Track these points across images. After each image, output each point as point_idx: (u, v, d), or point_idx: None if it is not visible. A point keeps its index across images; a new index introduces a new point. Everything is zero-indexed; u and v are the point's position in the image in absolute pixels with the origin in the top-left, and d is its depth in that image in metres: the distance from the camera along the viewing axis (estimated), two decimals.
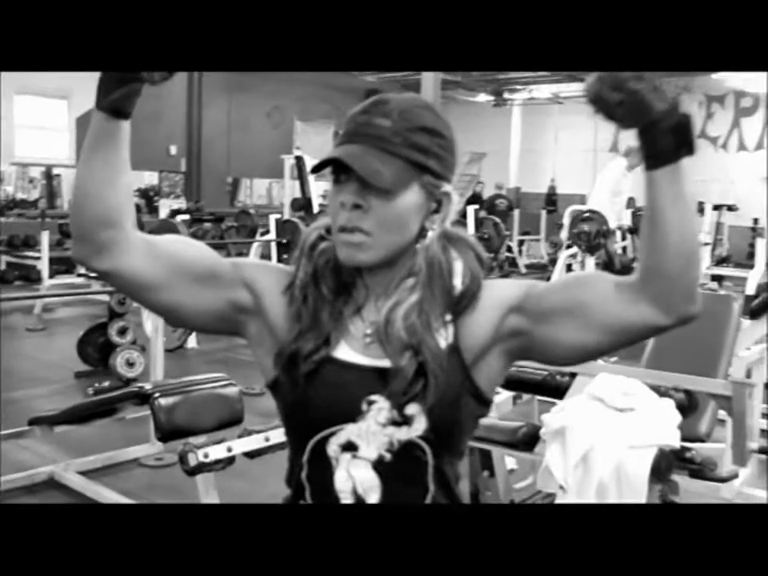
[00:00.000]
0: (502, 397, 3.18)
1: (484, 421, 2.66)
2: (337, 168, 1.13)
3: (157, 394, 3.13)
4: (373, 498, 1.14)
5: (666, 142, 1.00)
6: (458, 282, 1.16)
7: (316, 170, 1.14)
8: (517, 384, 2.95)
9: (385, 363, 1.14)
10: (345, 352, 1.16)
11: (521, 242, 14.30)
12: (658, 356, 3.51)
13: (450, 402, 1.13)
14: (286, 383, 1.16)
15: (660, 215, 1.03)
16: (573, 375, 2.77)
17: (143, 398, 3.21)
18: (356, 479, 1.13)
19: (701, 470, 2.47)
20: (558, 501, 2.32)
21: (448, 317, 1.16)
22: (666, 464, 2.31)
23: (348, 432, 1.13)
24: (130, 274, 1.14)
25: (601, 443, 2.28)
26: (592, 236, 7.46)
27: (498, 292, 1.18)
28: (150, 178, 14.20)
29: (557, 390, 2.74)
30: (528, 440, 2.47)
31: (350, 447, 1.13)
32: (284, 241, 7.79)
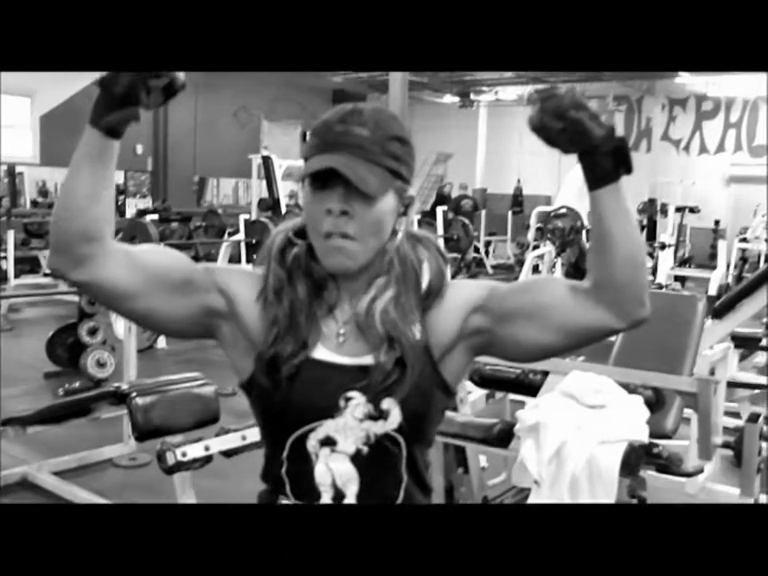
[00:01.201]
0: (476, 395, 3.25)
1: (460, 418, 2.74)
2: (320, 175, 1.17)
3: (133, 394, 3.15)
4: (351, 489, 1.19)
5: (606, 164, 1.10)
6: (425, 279, 1.24)
7: (317, 179, 1.18)
8: (490, 382, 3.02)
9: (359, 360, 1.20)
10: (321, 352, 1.21)
11: (488, 243, 14.42)
12: (625, 355, 3.60)
13: (422, 394, 1.20)
14: (266, 385, 1.20)
15: (606, 230, 1.12)
16: (545, 373, 2.84)
17: (120, 398, 3.22)
18: (335, 472, 1.19)
19: (667, 465, 2.54)
20: (532, 495, 2.38)
21: (419, 313, 1.23)
22: (636, 458, 2.38)
23: (326, 428, 1.19)
24: (107, 284, 1.17)
25: (573, 439, 2.35)
26: (566, 232, 7.60)
27: (463, 292, 1.26)
28: (115, 178, 14.07)
29: (530, 388, 2.81)
30: (503, 436, 2.53)
31: (328, 442, 1.19)
32: (253, 241, 7.80)
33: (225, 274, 1.27)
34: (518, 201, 17.58)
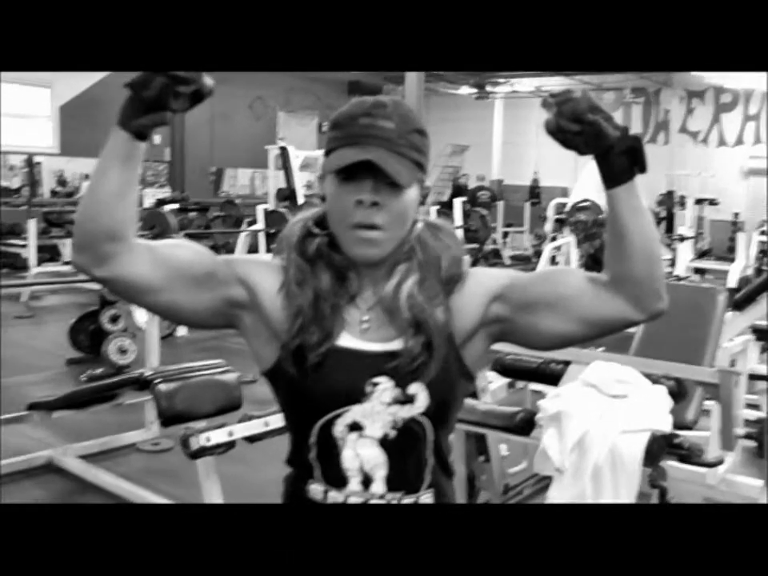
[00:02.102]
0: (497, 384, 3.27)
1: (482, 406, 2.76)
2: (349, 167, 1.19)
3: (157, 380, 3.20)
4: (379, 474, 1.22)
5: (621, 164, 1.14)
6: (445, 266, 1.26)
7: (344, 171, 1.19)
8: (512, 371, 3.04)
9: (384, 346, 1.23)
10: (346, 340, 1.24)
11: (505, 234, 14.40)
12: (646, 346, 3.61)
13: (447, 378, 1.23)
14: (293, 373, 1.22)
15: (622, 227, 1.16)
16: (567, 363, 2.85)
17: (144, 384, 3.27)
18: (363, 457, 1.21)
19: (689, 456, 2.56)
20: (554, 484, 2.40)
21: (443, 298, 1.25)
22: (658, 448, 2.40)
23: (354, 413, 1.21)
24: (129, 279, 1.19)
25: (596, 428, 2.37)
26: (589, 225, 7.58)
27: (484, 280, 1.29)
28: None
29: (551, 378, 2.83)
30: (525, 425, 2.55)
31: (355, 427, 1.21)
32: (272, 231, 7.84)
33: (245, 265, 1.29)
34: (534, 192, 17.54)
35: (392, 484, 1.22)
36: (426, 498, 1.24)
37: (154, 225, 6.67)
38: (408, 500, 1.23)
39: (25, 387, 5.40)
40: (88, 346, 5.88)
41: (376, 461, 1.21)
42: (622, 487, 2.33)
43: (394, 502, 1.22)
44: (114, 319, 5.63)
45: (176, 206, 8.69)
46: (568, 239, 8.27)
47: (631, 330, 3.59)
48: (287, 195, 10.45)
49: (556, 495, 2.38)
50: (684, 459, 2.57)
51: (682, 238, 8.42)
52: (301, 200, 10.30)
